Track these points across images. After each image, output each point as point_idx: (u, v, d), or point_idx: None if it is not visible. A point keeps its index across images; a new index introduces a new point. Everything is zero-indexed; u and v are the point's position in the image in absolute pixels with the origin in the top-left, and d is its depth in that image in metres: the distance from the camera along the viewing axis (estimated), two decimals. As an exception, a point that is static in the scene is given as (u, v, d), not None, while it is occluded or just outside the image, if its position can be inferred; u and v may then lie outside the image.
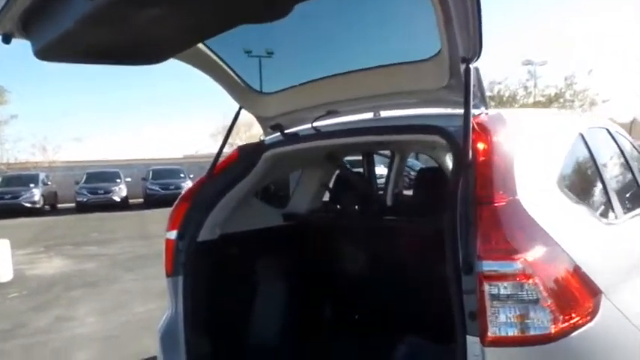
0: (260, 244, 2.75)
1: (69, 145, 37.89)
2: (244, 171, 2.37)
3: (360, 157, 3.61)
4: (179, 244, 2.24)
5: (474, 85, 1.65)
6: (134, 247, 9.26)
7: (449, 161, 4.50)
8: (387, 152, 3.98)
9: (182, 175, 20.20)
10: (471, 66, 1.64)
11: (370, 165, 3.63)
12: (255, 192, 2.75)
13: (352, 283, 2.98)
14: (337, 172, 3.08)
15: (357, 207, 2.94)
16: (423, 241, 2.36)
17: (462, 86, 1.66)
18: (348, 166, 3.06)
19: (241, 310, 2.66)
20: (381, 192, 3.78)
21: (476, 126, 1.62)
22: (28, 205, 17.51)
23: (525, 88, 23.14)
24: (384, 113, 2.24)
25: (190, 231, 2.23)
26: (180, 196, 2.40)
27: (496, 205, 1.47)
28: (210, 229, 2.30)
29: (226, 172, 2.39)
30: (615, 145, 2.60)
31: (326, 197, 3.20)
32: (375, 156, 3.94)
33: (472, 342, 1.39)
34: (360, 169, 3.63)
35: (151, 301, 5.08)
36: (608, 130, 2.62)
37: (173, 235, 2.26)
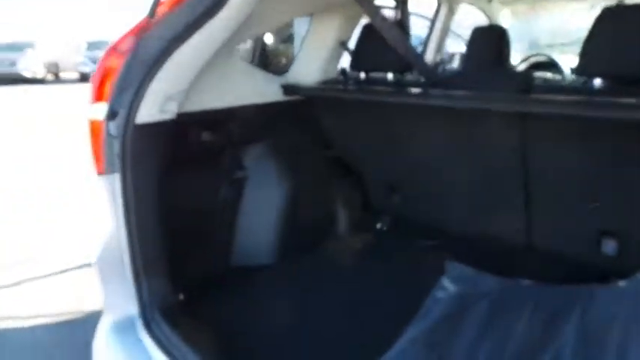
0: (246, 127, 1.92)
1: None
2: (214, 5, 1.41)
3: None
4: (110, 127, 1.41)
5: None
6: None
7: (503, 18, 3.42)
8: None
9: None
10: None
11: (404, 16, 2.57)
12: (235, 45, 1.83)
13: (389, 186, 2.20)
14: (364, 22, 2.07)
15: (390, 77, 2.01)
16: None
17: None
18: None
19: (219, 221, 1.94)
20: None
21: None
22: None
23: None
24: None
25: (125, 106, 1.39)
26: (108, 48, 1.50)
27: None
28: (158, 105, 1.44)
29: (183, 7, 1.44)
30: None
31: (345, 63, 2.25)
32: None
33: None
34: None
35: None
36: None
37: (100, 111, 1.42)
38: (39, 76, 16.87)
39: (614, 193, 1.55)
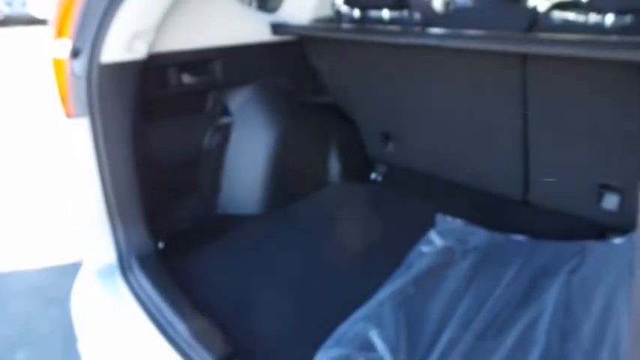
0: (232, 69, 1.80)
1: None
2: None
3: None
4: (75, 66, 1.32)
5: None
6: None
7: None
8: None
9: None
10: None
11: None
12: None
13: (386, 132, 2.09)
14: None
15: (387, 15, 1.85)
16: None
17: None
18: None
19: (203, 169, 1.88)
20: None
21: None
22: None
23: None
24: None
25: (88, 43, 1.29)
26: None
27: None
28: (124, 43, 1.34)
29: None
30: None
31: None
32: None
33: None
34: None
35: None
36: None
37: (62, 48, 1.33)
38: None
39: (618, 145, 1.43)
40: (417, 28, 1.67)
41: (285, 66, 2.04)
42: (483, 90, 1.61)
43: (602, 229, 1.62)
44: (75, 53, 1.30)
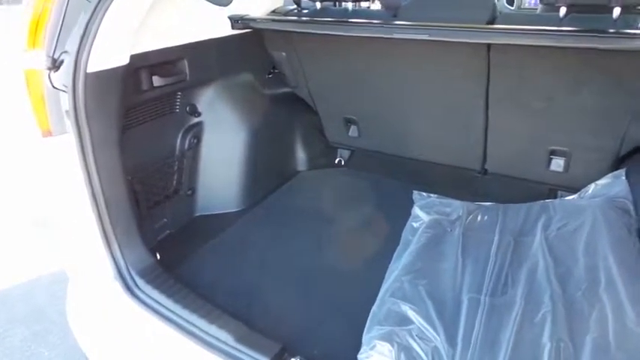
0: (196, 68, 1.75)
1: None
2: None
3: None
4: (54, 79, 1.20)
5: None
6: None
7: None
8: None
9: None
10: None
11: None
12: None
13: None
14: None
15: (350, 6, 1.91)
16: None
17: None
18: None
19: (178, 172, 1.82)
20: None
21: None
22: None
23: None
24: None
25: (71, 51, 1.18)
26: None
27: None
28: (111, 48, 1.25)
29: None
30: None
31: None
32: None
33: None
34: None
35: None
36: None
37: (37, 60, 1.20)
38: None
39: (565, 116, 1.68)
40: (378, 21, 1.74)
41: (246, 59, 2.02)
42: (449, 74, 1.76)
43: (551, 189, 1.89)
44: (54, 65, 1.19)
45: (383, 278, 1.43)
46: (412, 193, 1.89)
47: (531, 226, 1.58)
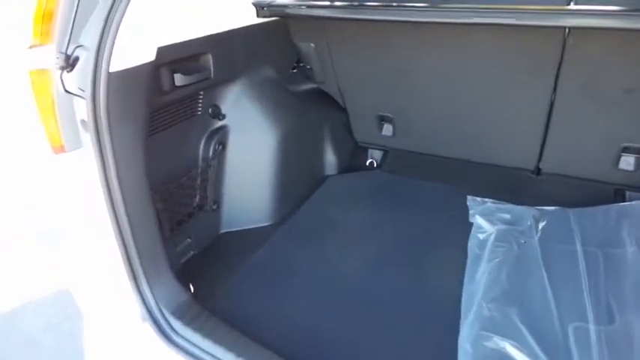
0: (219, 63, 1.51)
1: None
2: None
3: None
4: (67, 81, 0.96)
5: None
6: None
7: None
8: None
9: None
10: None
11: None
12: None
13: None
14: None
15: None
16: None
17: None
18: None
19: (202, 185, 1.58)
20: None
21: None
22: None
23: None
24: None
25: (90, 47, 0.94)
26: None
27: None
28: (136, 42, 1.01)
29: None
30: None
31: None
32: None
33: None
34: None
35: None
36: None
37: (46, 57, 0.95)
38: None
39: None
40: (429, 4, 1.53)
41: (269, 53, 1.78)
42: (510, 64, 1.55)
43: (617, 189, 1.70)
44: (69, 63, 0.95)
45: (457, 300, 1.23)
46: (460, 197, 1.69)
47: (615, 234, 1.40)
